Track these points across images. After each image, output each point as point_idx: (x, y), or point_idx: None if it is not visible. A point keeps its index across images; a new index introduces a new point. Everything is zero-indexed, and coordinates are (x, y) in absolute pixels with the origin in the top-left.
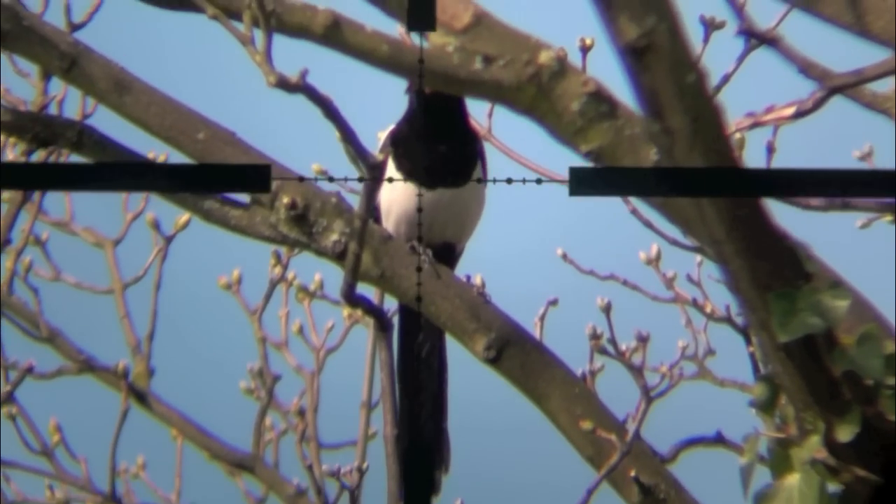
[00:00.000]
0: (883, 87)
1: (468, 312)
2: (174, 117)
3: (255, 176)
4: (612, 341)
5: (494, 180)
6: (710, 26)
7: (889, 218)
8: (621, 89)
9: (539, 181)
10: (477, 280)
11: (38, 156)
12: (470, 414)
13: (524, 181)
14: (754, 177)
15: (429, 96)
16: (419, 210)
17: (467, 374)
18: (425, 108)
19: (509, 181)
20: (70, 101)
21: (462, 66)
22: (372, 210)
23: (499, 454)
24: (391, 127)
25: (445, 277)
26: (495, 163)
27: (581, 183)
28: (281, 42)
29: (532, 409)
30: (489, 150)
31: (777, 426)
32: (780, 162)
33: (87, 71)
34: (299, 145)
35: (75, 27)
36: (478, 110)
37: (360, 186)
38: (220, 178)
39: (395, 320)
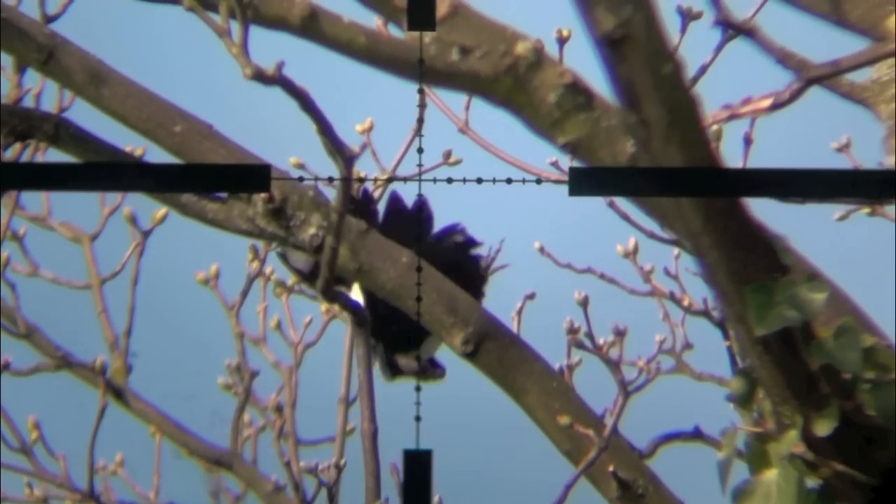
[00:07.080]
0: (861, 77)
1: (445, 306)
2: (151, 110)
3: (255, 176)
4: (590, 335)
5: (494, 180)
6: (686, 17)
7: (867, 210)
8: (598, 81)
9: (539, 181)
10: None
11: (14, 150)
12: (447, 410)
13: (524, 181)
14: (763, 177)
15: None
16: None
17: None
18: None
19: (509, 181)
20: (47, 95)
21: (438, 58)
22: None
23: (476, 450)
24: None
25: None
26: (472, 156)
27: (581, 183)
28: (258, 34)
29: (509, 405)
30: (466, 143)
31: (755, 420)
32: (758, 153)
33: (65, 63)
34: (277, 138)
35: (50, 18)
36: (455, 102)
37: None
38: (219, 179)
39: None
